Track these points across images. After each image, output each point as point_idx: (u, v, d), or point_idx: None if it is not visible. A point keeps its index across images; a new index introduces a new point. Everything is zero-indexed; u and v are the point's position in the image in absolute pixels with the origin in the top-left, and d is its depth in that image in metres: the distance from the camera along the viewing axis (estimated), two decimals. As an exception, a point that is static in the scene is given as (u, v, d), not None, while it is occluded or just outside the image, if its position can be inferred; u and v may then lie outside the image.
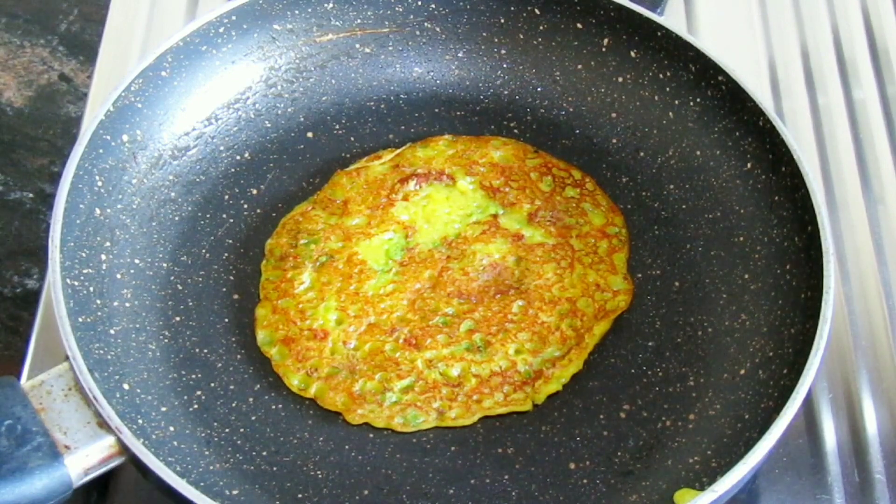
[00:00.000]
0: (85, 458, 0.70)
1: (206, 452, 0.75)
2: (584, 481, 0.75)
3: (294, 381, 0.78)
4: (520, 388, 0.79)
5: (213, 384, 0.79)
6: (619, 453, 0.76)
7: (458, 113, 0.93)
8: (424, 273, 0.82)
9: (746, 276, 0.83)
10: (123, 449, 0.70)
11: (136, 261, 0.82)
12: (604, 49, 0.92)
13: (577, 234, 0.85)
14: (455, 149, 0.89)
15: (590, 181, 0.88)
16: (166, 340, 0.80)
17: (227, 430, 0.77)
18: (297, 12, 0.92)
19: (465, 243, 0.84)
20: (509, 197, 0.87)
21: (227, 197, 0.88)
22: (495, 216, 0.86)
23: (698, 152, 0.88)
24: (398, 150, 0.88)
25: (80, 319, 0.75)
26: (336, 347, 0.79)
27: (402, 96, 0.94)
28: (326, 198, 0.86)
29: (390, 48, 0.94)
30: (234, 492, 0.73)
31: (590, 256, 0.84)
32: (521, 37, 0.94)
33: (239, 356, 0.80)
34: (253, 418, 0.77)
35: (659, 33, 0.89)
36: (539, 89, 0.94)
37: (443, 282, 0.82)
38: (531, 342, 0.80)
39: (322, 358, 0.79)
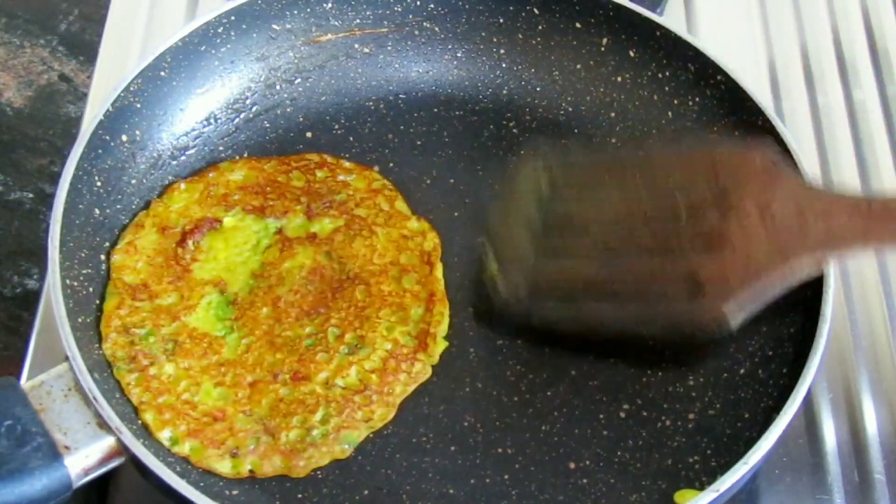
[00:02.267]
0: (85, 459, 0.70)
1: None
2: (584, 481, 0.75)
3: (226, 469, 0.74)
4: (414, 360, 0.79)
5: (212, 384, 0.79)
6: (619, 453, 0.76)
7: (457, 113, 0.93)
8: (262, 313, 0.80)
9: (746, 276, 0.82)
10: (123, 449, 0.70)
11: (136, 261, 0.82)
12: (603, 49, 0.92)
13: (354, 204, 0.86)
14: (197, 191, 0.86)
15: (326, 155, 0.89)
16: (166, 341, 0.80)
17: (226, 430, 0.77)
18: (295, 12, 0.92)
19: (274, 268, 0.82)
20: (277, 208, 0.85)
21: (226, 197, 0.88)
22: (279, 231, 0.84)
23: (698, 152, 0.88)
24: (146, 211, 0.84)
25: (80, 319, 0.75)
26: (238, 419, 0.76)
27: (401, 96, 0.94)
28: (126, 286, 0.80)
29: (389, 48, 0.94)
30: (234, 492, 0.73)
31: (380, 216, 0.85)
32: (520, 36, 0.94)
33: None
34: (252, 418, 0.77)
35: (658, 33, 0.89)
36: (538, 89, 0.94)
37: (282, 311, 0.80)
38: (394, 314, 0.81)
39: (235, 435, 0.75)
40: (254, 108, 0.91)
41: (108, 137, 0.83)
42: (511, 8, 0.93)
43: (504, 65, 0.94)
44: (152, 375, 0.76)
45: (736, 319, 0.71)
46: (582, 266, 0.76)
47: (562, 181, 0.79)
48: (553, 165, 0.81)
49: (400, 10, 0.94)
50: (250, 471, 0.74)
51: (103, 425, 0.70)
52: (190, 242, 0.83)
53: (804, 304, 0.77)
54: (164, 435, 0.74)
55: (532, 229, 0.78)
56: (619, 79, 0.92)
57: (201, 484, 0.71)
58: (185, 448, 0.74)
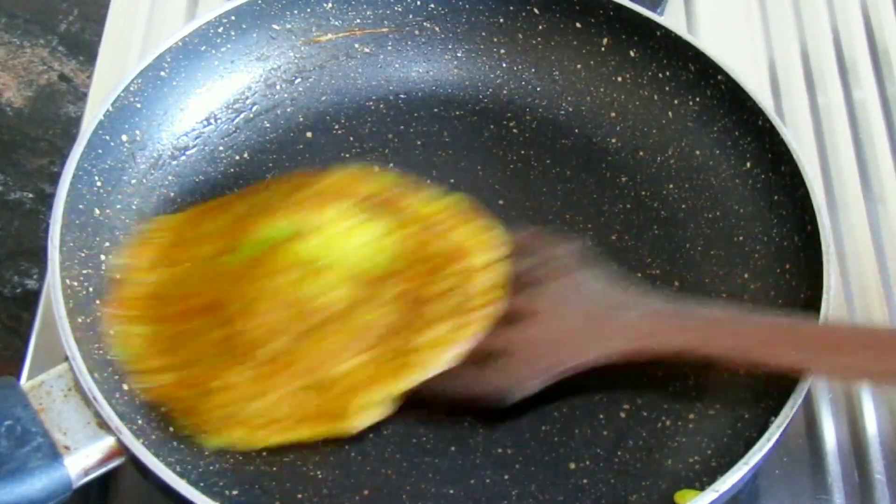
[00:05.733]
0: (85, 459, 0.70)
1: (206, 452, 0.75)
2: (584, 481, 0.75)
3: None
4: None
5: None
6: (619, 453, 0.76)
7: (457, 112, 0.93)
8: None
9: (746, 276, 0.83)
10: (123, 449, 0.70)
11: (136, 261, 0.82)
12: (603, 48, 0.92)
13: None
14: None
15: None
16: (166, 340, 0.80)
17: (226, 430, 0.77)
18: (296, 12, 0.92)
19: None
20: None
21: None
22: None
23: (698, 152, 0.88)
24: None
25: (80, 319, 0.75)
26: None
27: (401, 96, 0.94)
28: None
29: (389, 48, 0.94)
30: (234, 492, 0.73)
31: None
32: (521, 36, 0.94)
33: (238, 356, 0.80)
34: (252, 418, 0.77)
35: (658, 33, 0.89)
36: (538, 89, 0.94)
37: None
38: None
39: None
40: (254, 108, 0.91)
41: (108, 137, 0.83)
42: (511, 8, 0.93)
43: (504, 65, 0.94)
44: None
45: (522, 393, 0.74)
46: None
47: None
48: None
49: (400, 10, 0.94)
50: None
51: (103, 425, 0.70)
52: None
53: (804, 303, 0.77)
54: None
55: None
56: (620, 79, 0.92)
57: (201, 484, 0.71)
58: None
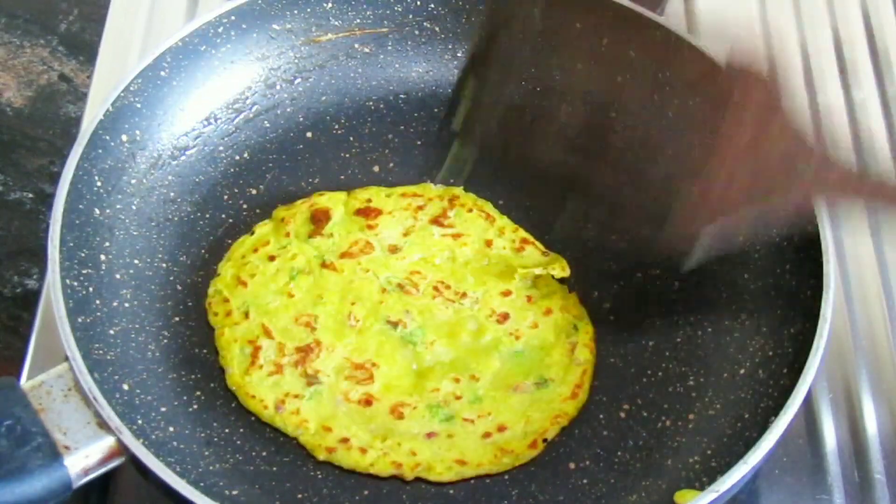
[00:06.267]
0: (85, 459, 0.70)
1: (206, 452, 0.75)
2: (584, 481, 0.75)
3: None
4: None
5: (212, 384, 0.79)
6: (619, 453, 0.76)
7: (458, 113, 0.93)
8: None
9: (746, 276, 0.82)
10: (123, 449, 0.70)
11: (136, 261, 0.82)
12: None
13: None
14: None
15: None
16: (166, 340, 0.80)
17: (226, 430, 0.77)
18: (296, 12, 0.92)
19: None
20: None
21: (226, 197, 0.88)
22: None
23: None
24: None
25: (80, 320, 0.75)
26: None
27: (401, 96, 0.94)
28: None
29: (389, 48, 0.94)
30: (234, 492, 0.73)
31: None
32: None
33: (238, 356, 0.80)
34: (253, 419, 0.77)
35: (658, 33, 0.89)
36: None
37: None
38: None
39: None
40: (254, 108, 0.91)
41: (108, 137, 0.83)
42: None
43: (504, 65, 0.94)
44: None
45: (702, 245, 0.70)
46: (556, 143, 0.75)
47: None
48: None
49: (400, 10, 0.94)
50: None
51: (103, 425, 0.70)
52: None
53: (804, 304, 0.77)
54: None
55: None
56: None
57: (201, 484, 0.71)
58: None
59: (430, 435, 0.76)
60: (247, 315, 0.81)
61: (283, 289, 0.82)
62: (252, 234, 0.85)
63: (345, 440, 0.76)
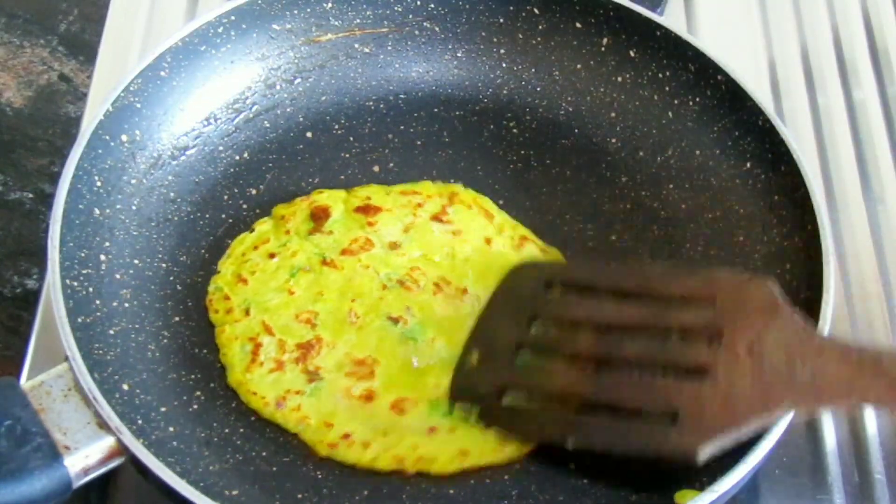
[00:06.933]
0: (85, 459, 0.70)
1: (206, 452, 0.75)
2: (584, 481, 0.75)
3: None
4: None
5: (212, 384, 0.79)
6: (619, 453, 0.76)
7: (457, 113, 0.93)
8: None
9: (746, 276, 0.82)
10: (123, 449, 0.70)
11: (136, 261, 0.82)
12: (603, 48, 0.92)
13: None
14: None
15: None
16: (166, 340, 0.80)
17: (226, 430, 0.77)
18: (296, 12, 0.92)
19: None
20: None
21: (226, 197, 0.88)
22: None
23: (698, 152, 0.88)
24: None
25: (80, 320, 0.75)
26: None
27: (401, 96, 0.94)
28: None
29: (389, 48, 0.94)
30: (234, 492, 0.73)
31: None
32: (521, 36, 0.94)
33: (238, 356, 0.80)
34: (253, 418, 0.77)
35: (658, 33, 0.89)
36: (538, 89, 0.94)
37: None
38: None
39: None
40: (254, 108, 0.91)
41: (108, 137, 0.83)
42: (511, 8, 0.93)
43: (504, 65, 0.94)
44: None
45: (704, 455, 0.68)
46: (564, 370, 0.74)
47: (559, 284, 0.78)
48: (551, 270, 0.81)
49: (400, 10, 0.94)
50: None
51: (103, 425, 0.70)
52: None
53: (804, 304, 0.77)
54: None
55: (520, 326, 0.77)
56: (620, 79, 0.92)
57: (201, 484, 0.71)
58: None
59: (431, 430, 0.76)
60: (247, 312, 0.81)
61: (284, 286, 0.82)
62: (252, 231, 0.85)
63: (346, 436, 0.76)
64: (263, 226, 0.86)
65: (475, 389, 0.76)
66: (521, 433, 0.75)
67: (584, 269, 0.81)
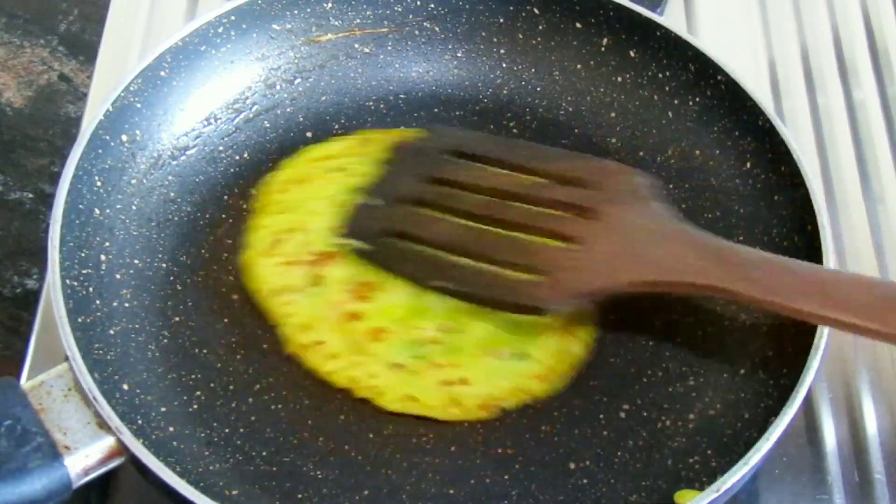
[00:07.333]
0: (85, 459, 0.70)
1: (206, 452, 0.75)
2: (584, 481, 0.75)
3: None
4: None
5: (212, 384, 0.79)
6: (619, 453, 0.76)
7: (457, 112, 0.93)
8: None
9: (746, 276, 0.82)
10: (123, 449, 0.70)
11: (136, 261, 0.82)
12: (603, 49, 0.92)
13: None
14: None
15: None
16: (166, 340, 0.80)
17: (227, 430, 0.77)
18: (296, 12, 0.92)
19: None
20: None
21: (226, 197, 0.88)
22: None
23: (697, 152, 0.88)
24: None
25: (80, 320, 0.75)
26: None
27: (401, 96, 0.94)
28: None
29: (389, 48, 0.94)
30: (234, 492, 0.73)
31: None
32: (521, 36, 0.94)
33: (238, 356, 0.80)
34: (253, 418, 0.77)
35: (658, 33, 0.89)
36: (538, 89, 0.94)
37: None
38: None
39: None
40: (254, 108, 0.91)
41: (108, 137, 0.83)
42: (511, 8, 0.93)
43: (504, 65, 0.94)
44: None
45: (555, 309, 0.78)
46: (453, 225, 0.82)
47: (458, 150, 0.86)
48: (453, 137, 0.88)
49: (400, 10, 0.94)
50: None
51: (103, 425, 0.70)
52: None
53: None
54: None
55: (420, 183, 0.84)
56: (620, 79, 0.92)
57: (201, 484, 0.71)
58: None
59: (396, 366, 0.78)
60: (288, 210, 0.84)
61: (334, 200, 0.84)
62: (326, 142, 0.88)
63: (319, 343, 0.79)
64: (338, 143, 0.88)
65: (372, 229, 0.82)
66: (406, 274, 0.81)
67: (482, 141, 0.88)
